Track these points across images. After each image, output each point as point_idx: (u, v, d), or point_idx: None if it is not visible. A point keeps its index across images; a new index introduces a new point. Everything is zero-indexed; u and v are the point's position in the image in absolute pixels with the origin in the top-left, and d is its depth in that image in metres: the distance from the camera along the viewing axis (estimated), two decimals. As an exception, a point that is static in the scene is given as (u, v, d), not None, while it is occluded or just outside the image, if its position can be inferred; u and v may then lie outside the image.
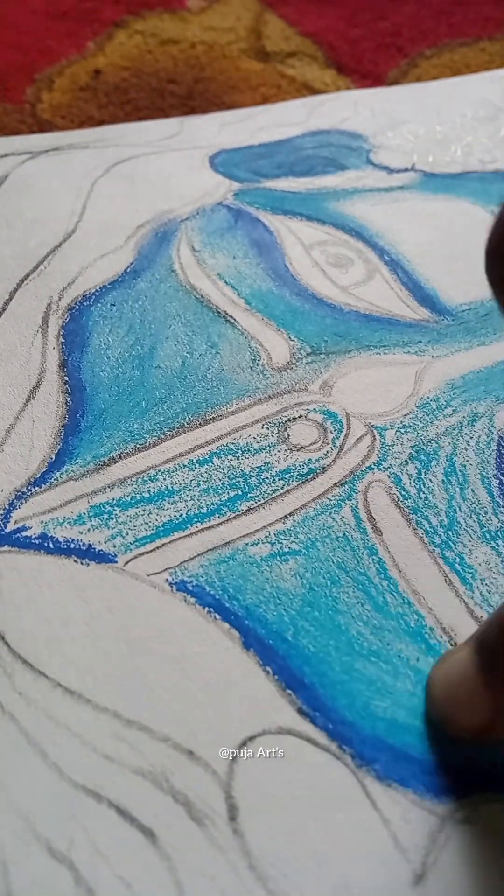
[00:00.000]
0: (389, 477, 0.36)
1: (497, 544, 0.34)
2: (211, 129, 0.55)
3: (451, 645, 0.31)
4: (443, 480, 0.36)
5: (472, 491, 0.36)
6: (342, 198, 0.51)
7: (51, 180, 0.49)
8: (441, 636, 0.31)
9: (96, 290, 0.43)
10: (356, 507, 0.35)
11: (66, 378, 0.39)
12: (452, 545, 0.34)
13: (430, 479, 0.36)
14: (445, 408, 0.39)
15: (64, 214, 0.47)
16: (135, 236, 0.46)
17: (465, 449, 0.37)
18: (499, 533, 0.34)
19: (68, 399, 0.38)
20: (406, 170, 0.53)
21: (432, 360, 0.41)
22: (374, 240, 0.48)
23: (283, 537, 0.34)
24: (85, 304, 0.42)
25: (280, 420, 0.38)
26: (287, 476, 0.36)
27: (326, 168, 0.53)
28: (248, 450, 0.37)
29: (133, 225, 0.47)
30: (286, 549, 0.33)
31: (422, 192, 0.52)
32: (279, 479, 0.36)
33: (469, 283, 0.46)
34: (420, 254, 0.47)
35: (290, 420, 0.38)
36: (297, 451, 0.37)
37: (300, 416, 0.38)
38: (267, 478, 0.36)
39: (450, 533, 0.34)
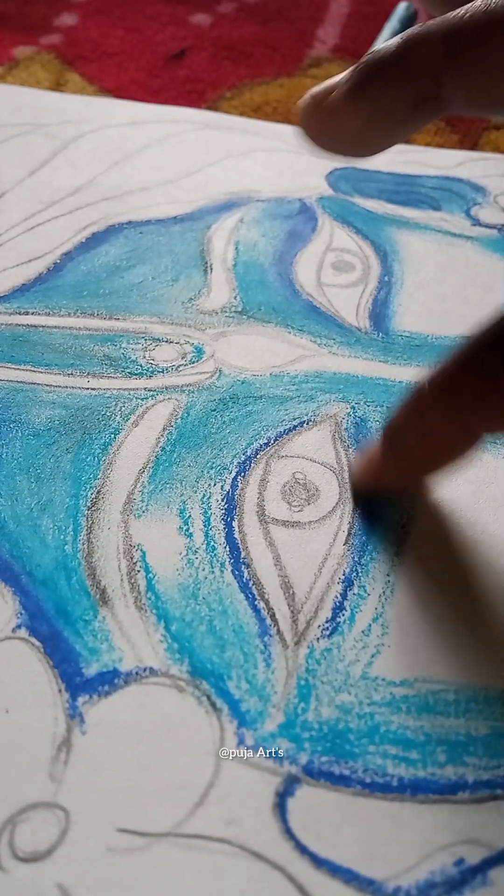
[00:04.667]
0: (189, 399, 0.42)
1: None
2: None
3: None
4: (225, 423, 0.41)
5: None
6: (406, 227, 0.55)
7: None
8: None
9: (142, 221, 0.54)
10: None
11: (63, 256, 0.51)
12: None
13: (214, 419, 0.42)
14: (289, 384, 0.43)
15: (194, 167, 0.59)
16: (208, 199, 0.56)
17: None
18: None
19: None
20: (495, 227, 0.55)
21: (326, 353, 0.45)
22: (391, 261, 0.52)
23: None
24: (126, 225, 0.54)
25: (158, 338, 0.46)
26: (124, 366, 0.44)
27: (421, 204, 0.57)
28: (115, 343, 0.45)
29: (220, 192, 0.57)
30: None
31: (485, 248, 0.54)
32: (117, 367, 0.44)
33: (430, 320, 0.48)
34: (418, 284, 0.50)
35: (166, 341, 0.46)
36: (151, 352, 0.45)
37: (176, 342, 0.46)
38: (110, 362, 0.44)
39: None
